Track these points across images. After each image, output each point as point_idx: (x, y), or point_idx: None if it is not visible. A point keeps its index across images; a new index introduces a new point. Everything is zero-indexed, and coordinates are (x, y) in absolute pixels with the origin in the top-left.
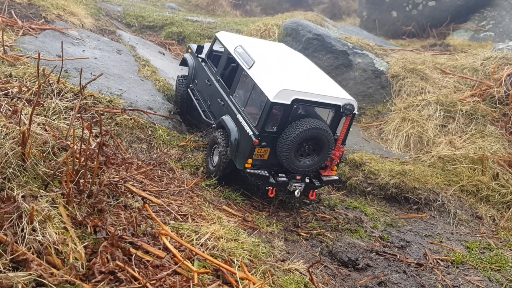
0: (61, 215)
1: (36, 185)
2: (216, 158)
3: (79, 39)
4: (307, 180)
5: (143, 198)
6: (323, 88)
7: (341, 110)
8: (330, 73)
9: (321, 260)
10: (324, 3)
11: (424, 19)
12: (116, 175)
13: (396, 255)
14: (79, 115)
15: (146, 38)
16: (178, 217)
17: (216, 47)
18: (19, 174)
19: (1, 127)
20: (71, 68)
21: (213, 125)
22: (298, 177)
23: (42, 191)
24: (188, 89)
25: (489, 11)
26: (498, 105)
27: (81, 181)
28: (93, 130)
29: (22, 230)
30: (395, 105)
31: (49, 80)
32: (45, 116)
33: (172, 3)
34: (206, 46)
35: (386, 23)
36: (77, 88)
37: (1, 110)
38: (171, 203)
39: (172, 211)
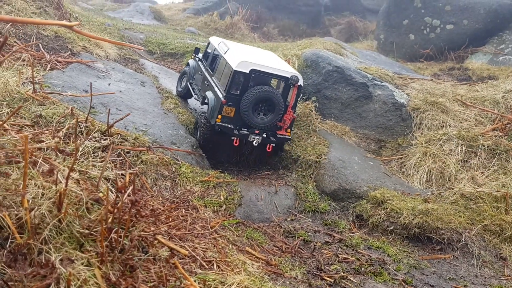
0: (95, 277)
1: (72, 246)
2: (198, 132)
3: (104, 72)
4: (264, 135)
5: (171, 249)
6: (276, 64)
7: (289, 81)
8: (350, 105)
9: None
10: (341, 25)
11: (442, 42)
12: (146, 227)
13: None
14: (109, 164)
15: (168, 66)
16: (204, 264)
17: (210, 49)
18: (55, 235)
19: (38, 186)
20: (97, 103)
21: (201, 103)
22: (256, 131)
23: (77, 252)
24: (188, 83)
25: (507, 35)
26: None
27: (113, 235)
28: (120, 171)
29: None
30: (415, 139)
31: (78, 121)
32: (78, 170)
33: (192, 27)
34: (202, 51)
35: (403, 46)
36: (104, 126)
37: (38, 166)
38: (196, 247)
39: (198, 257)
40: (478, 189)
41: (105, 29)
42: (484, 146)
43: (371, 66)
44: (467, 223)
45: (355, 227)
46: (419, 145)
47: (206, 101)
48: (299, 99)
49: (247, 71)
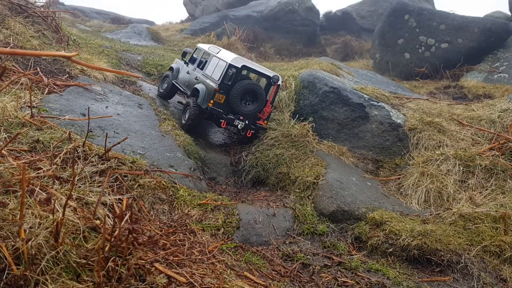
0: None
1: (69, 277)
2: (186, 115)
3: (102, 95)
4: (246, 122)
5: (168, 276)
6: (260, 66)
7: (271, 80)
8: (347, 125)
9: None
10: (337, 44)
11: (437, 60)
12: (144, 255)
13: None
14: (106, 189)
15: None
16: None
17: (196, 54)
18: (52, 266)
19: (35, 216)
20: (94, 127)
21: (187, 97)
22: (241, 118)
23: (74, 282)
24: (173, 81)
25: (502, 53)
26: None
27: (110, 264)
28: (118, 196)
29: None
30: (413, 159)
31: (76, 146)
32: (76, 197)
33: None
34: (188, 55)
35: (399, 64)
36: (102, 150)
37: (35, 195)
38: (194, 273)
39: (196, 283)
40: (477, 209)
41: (103, 52)
42: (481, 165)
43: (368, 86)
44: (467, 244)
45: (354, 249)
46: (417, 165)
47: (196, 92)
48: (276, 97)
49: (239, 66)
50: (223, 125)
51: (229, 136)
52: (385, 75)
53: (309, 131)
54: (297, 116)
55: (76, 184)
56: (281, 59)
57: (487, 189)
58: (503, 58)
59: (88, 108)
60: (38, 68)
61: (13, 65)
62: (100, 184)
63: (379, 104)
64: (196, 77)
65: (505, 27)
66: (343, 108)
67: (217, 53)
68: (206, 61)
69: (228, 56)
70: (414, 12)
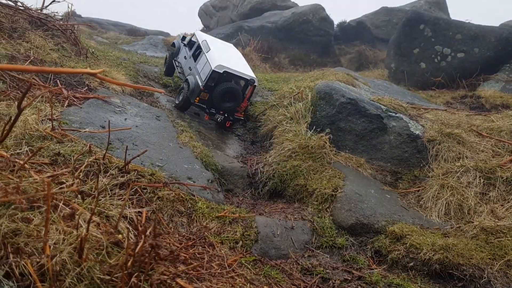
0: None
1: None
2: (180, 97)
3: (120, 107)
4: (226, 115)
5: None
6: (242, 69)
7: (248, 82)
8: (365, 136)
9: None
10: (351, 53)
11: (453, 70)
12: (166, 270)
13: None
14: (127, 207)
15: None
16: None
17: (194, 39)
18: (76, 282)
19: (59, 232)
20: (114, 139)
21: (183, 80)
22: (221, 112)
23: None
24: (173, 60)
25: None
26: None
27: (133, 280)
28: (138, 209)
29: None
30: (432, 171)
31: (96, 158)
32: (98, 211)
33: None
34: (188, 37)
35: (414, 74)
36: (121, 162)
37: (59, 210)
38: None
39: None
40: (499, 222)
41: (120, 64)
42: (502, 178)
43: (385, 97)
44: (489, 258)
45: (374, 263)
46: (436, 177)
47: (187, 82)
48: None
49: (221, 71)
50: (206, 117)
51: (245, 147)
52: (400, 85)
53: (326, 143)
54: (314, 128)
55: (93, 195)
56: (295, 69)
57: (508, 202)
58: None
59: (109, 122)
60: (58, 81)
61: (33, 78)
62: (120, 197)
63: (397, 115)
64: (190, 67)
65: None
66: (361, 120)
67: (207, 52)
68: (200, 53)
69: (213, 61)
70: (430, 22)
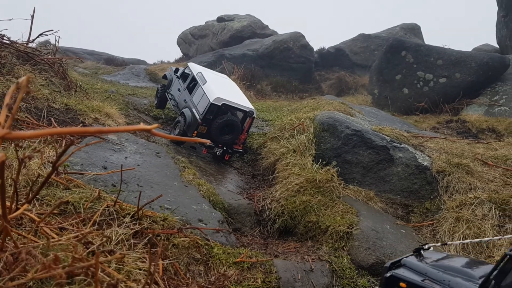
0: None
1: None
2: (176, 131)
3: (119, 144)
4: (224, 148)
5: None
6: (240, 100)
7: (247, 114)
8: (372, 168)
9: None
10: (332, 79)
11: (436, 95)
12: None
13: None
14: (144, 254)
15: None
16: None
17: (187, 71)
18: None
19: None
20: (117, 180)
21: (178, 113)
22: (220, 145)
23: None
24: (165, 93)
25: (500, 86)
26: None
27: None
28: (153, 260)
29: None
30: (445, 203)
31: (107, 206)
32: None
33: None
34: (181, 69)
35: (398, 100)
36: (133, 208)
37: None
38: None
39: None
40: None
41: (109, 97)
42: None
43: (385, 127)
44: None
45: None
46: (450, 210)
47: (183, 115)
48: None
49: (220, 104)
50: (204, 151)
51: (246, 182)
52: (384, 110)
53: (334, 176)
54: (320, 161)
55: (115, 251)
56: (278, 96)
57: None
58: (501, 91)
59: (121, 166)
60: (52, 119)
61: (26, 116)
62: (136, 248)
63: (401, 145)
64: (185, 100)
65: (502, 61)
66: (367, 151)
67: (203, 84)
68: (195, 85)
69: (211, 94)
70: (411, 48)
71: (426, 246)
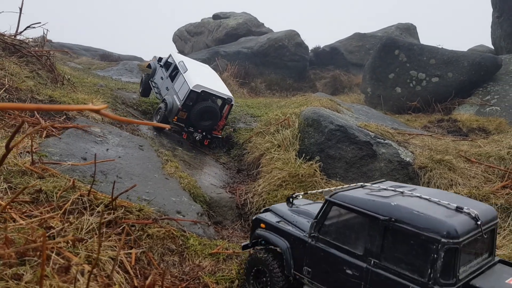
0: None
1: None
2: (158, 117)
3: (101, 136)
4: (203, 133)
5: None
6: (219, 88)
7: (225, 100)
8: (355, 164)
9: None
10: (326, 78)
11: (428, 94)
12: None
13: None
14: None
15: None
16: None
17: (170, 60)
18: None
19: None
20: (97, 172)
21: (160, 100)
22: (199, 130)
23: None
24: (149, 81)
25: (492, 86)
26: None
27: None
28: (127, 249)
29: None
30: None
31: (81, 195)
32: (87, 255)
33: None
34: (164, 58)
35: (390, 98)
36: (107, 198)
37: (51, 262)
38: None
39: None
40: (497, 252)
41: (98, 90)
42: (497, 205)
43: (371, 123)
44: None
45: None
46: None
47: (165, 102)
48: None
49: (199, 91)
50: (184, 136)
51: (231, 176)
52: (377, 109)
53: (316, 171)
54: (303, 156)
55: (85, 240)
56: (272, 94)
57: (505, 230)
58: (493, 91)
59: (95, 155)
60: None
61: None
62: (108, 237)
63: (385, 141)
64: (167, 87)
65: (494, 61)
66: (351, 147)
67: (184, 72)
68: (177, 74)
69: (191, 81)
70: (404, 48)
71: (295, 195)
